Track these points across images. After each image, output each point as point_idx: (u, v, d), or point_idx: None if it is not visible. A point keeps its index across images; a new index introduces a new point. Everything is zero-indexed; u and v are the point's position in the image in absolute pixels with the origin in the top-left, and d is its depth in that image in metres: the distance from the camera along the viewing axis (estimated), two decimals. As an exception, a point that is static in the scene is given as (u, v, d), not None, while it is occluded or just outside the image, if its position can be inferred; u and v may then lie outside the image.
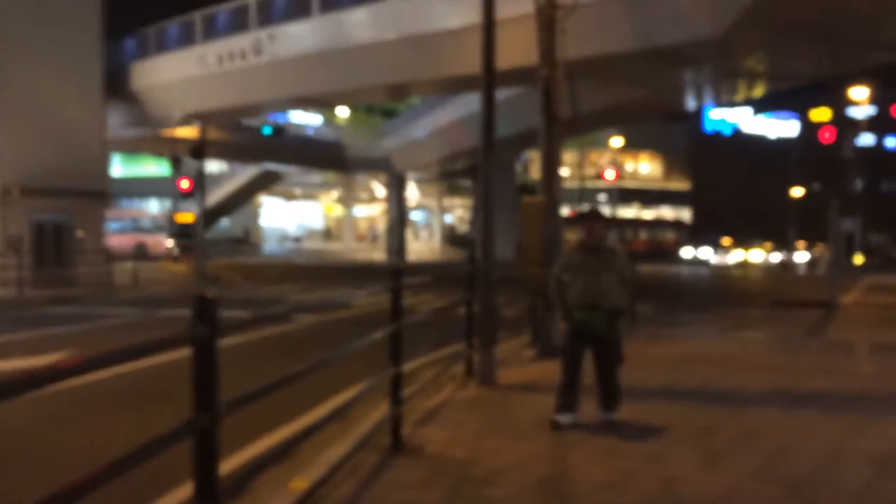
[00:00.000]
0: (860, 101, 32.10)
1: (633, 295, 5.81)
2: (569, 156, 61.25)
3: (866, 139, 52.17)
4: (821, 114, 56.97)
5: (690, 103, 29.35)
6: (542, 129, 9.80)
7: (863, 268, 32.87)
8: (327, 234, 57.07)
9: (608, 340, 5.77)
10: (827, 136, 56.68)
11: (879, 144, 63.29)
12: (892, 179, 64.17)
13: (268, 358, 9.24)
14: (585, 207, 6.18)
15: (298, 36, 26.63)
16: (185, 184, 28.03)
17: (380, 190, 57.47)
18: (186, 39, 30.87)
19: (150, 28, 33.67)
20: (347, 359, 4.78)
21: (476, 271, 7.66)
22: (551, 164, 9.93)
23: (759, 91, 26.24)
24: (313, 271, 31.27)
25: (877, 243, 44.70)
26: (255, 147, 42.12)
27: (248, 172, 50.52)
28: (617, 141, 56.97)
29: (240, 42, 28.00)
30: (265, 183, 53.18)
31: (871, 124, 39.25)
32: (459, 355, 7.95)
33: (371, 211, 63.97)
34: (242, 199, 53.27)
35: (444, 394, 7.05)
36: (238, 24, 28.90)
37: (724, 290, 26.55)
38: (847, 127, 38.22)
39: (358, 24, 25.11)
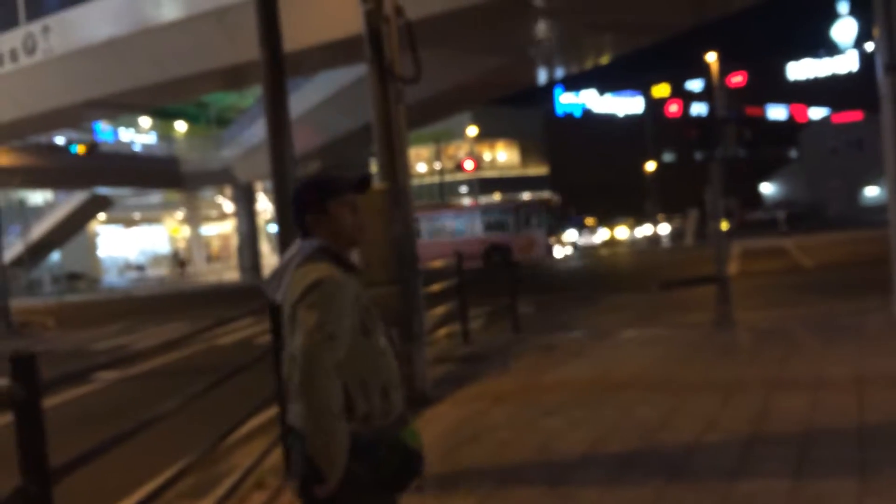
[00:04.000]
0: (711, 63, 31.71)
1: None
2: (424, 150, 59.14)
3: (699, 109, 53.87)
4: (661, 90, 58.15)
5: (541, 75, 27.91)
6: (372, 88, 7.04)
7: (728, 234, 32.55)
8: (175, 257, 52.57)
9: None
10: (673, 110, 57.76)
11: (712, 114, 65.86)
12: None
13: None
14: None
15: (79, 24, 22.03)
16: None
17: (228, 205, 53.35)
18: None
19: None
20: None
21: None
22: (391, 136, 7.16)
23: (605, 58, 25.95)
24: (150, 302, 27.58)
25: (729, 207, 45.10)
26: (68, 170, 36.99)
27: (74, 199, 45.13)
28: (472, 130, 55.48)
29: (9, 41, 23.05)
30: (96, 209, 47.89)
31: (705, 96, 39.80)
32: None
33: (222, 228, 59.72)
34: (73, 229, 47.72)
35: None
36: (6, 19, 23.61)
37: (603, 273, 24.82)
38: (687, 99, 38.17)
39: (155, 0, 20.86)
